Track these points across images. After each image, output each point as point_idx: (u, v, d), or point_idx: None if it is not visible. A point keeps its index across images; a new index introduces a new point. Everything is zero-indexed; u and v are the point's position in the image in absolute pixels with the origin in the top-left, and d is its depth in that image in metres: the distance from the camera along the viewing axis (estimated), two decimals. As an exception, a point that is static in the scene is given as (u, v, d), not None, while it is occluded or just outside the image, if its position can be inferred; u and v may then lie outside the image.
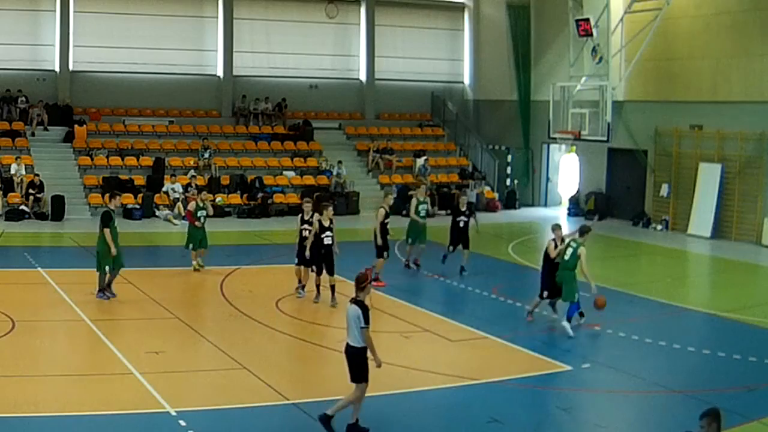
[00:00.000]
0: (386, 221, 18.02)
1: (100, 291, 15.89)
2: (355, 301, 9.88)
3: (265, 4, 33.38)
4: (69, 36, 30.23)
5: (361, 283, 9.95)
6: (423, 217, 19.69)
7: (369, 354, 9.92)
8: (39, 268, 18.51)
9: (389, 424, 10.57)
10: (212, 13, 32.63)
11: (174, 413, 10.31)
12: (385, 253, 18.03)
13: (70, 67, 30.50)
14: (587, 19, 28.01)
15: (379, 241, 17.87)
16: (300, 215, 16.88)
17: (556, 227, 15.33)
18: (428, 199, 20.49)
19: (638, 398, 11.87)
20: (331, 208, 16.38)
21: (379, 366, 9.96)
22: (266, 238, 24.68)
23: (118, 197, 16.66)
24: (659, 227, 28.15)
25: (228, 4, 32.51)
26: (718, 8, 26.26)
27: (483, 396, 11.63)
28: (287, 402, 10.96)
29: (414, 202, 19.77)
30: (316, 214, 16.40)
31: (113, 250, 15.67)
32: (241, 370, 12.23)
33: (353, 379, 9.95)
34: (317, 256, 16.13)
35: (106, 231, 15.75)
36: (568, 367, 12.91)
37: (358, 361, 9.88)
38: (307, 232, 16.30)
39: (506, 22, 34.11)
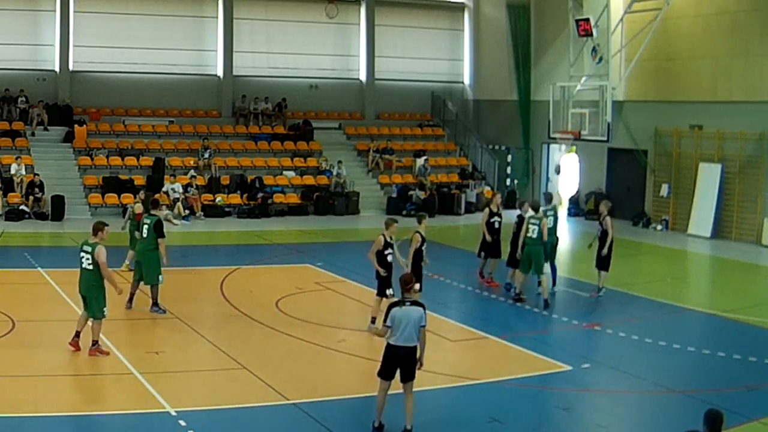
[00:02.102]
0: (492, 220, 18.09)
1: (154, 305, 15.09)
2: (415, 303, 10.02)
3: (265, 4, 33.40)
4: (69, 36, 30.24)
5: (407, 284, 10.08)
6: (537, 242, 16.61)
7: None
8: (39, 268, 18.51)
9: (389, 424, 10.56)
10: (212, 13, 32.65)
11: (174, 413, 10.32)
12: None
13: (70, 67, 30.51)
14: (587, 19, 28.00)
15: (488, 238, 17.98)
16: (381, 239, 14.19)
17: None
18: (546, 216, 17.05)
19: (638, 398, 11.87)
20: (425, 220, 15.43)
21: (421, 367, 10.16)
22: (266, 238, 24.68)
23: (163, 207, 15.22)
24: (659, 227, 28.16)
25: (228, 4, 32.52)
26: (718, 8, 26.26)
27: (483, 396, 11.63)
28: (287, 402, 10.97)
29: (528, 225, 16.69)
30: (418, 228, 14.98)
31: (166, 261, 15.04)
32: (241, 370, 12.23)
33: (410, 378, 10.03)
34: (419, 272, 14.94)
35: (161, 241, 14.99)
36: (568, 367, 12.92)
37: (413, 361, 10.07)
38: (391, 256, 14.37)
39: (506, 22, 34.11)
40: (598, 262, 17.68)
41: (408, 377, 10.03)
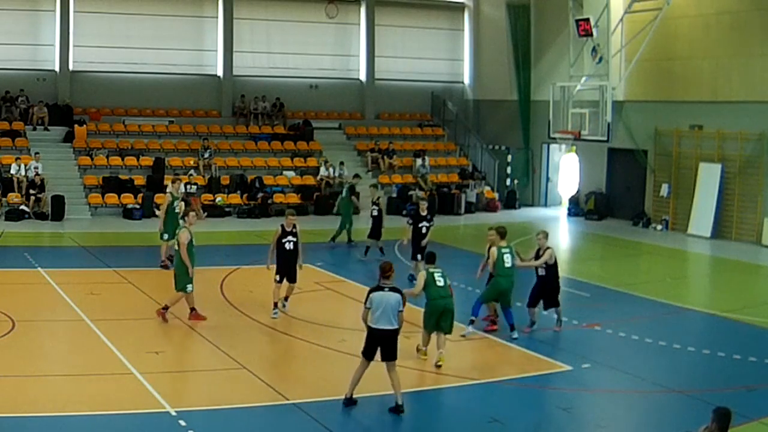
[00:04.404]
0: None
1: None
2: (393, 288, 11.01)
3: (265, 4, 33.40)
4: (69, 36, 30.24)
5: (386, 272, 11.09)
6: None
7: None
8: (39, 268, 18.51)
9: (390, 424, 10.57)
10: (212, 13, 32.64)
11: (174, 413, 10.32)
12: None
13: (70, 67, 30.50)
14: (587, 19, 28.00)
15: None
16: (279, 229, 15.32)
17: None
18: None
19: (638, 398, 11.87)
20: None
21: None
22: (266, 238, 24.59)
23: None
24: (659, 227, 28.15)
25: (228, 4, 32.52)
26: (718, 8, 26.27)
27: (483, 396, 11.64)
28: (287, 402, 10.97)
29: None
30: None
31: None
32: (241, 370, 12.23)
33: (391, 358, 10.98)
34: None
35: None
36: (568, 367, 12.92)
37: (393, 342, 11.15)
38: (289, 244, 15.45)
39: (506, 22, 34.11)
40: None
41: (389, 357, 10.78)
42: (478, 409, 11.05)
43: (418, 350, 13.15)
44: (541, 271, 14.84)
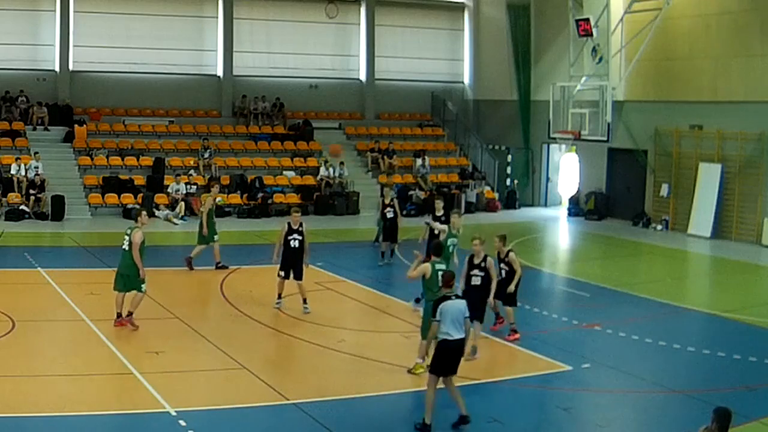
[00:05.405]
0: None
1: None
2: (459, 296, 10.80)
3: (265, 4, 33.41)
4: (69, 36, 30.24)
5: (449, 281, 10.77)
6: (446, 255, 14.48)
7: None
8: (39, 268, 18.51)
9: (390, 424, 10.58)
10: (212, 13, 32.65)
11: (174, 413, 10.32)
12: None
13: (70, 67, 30.50)
14: (587, 19, 28.02)
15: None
16: (286, 226, 15.64)
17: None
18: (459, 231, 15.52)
19: (638, 398, 11.87)
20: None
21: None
22: (266, 238, 24.65)
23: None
24: (659, 227, 28.16)
25: (228, 4, 32.52)
26: (718, 8, 26.27)
27: (483, 396, 11.64)
28: (287, 402, 10.97)
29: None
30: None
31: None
32: (241, 370, 12.23)
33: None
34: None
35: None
36: (568, 367, 12.92)
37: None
38: (294, 242, 15.75)
39: (506, 22, 34.12)
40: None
41: (455, 370, 10.52)
42: (478, 409, 11.04)
43: (410, 371, 12.25)
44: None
